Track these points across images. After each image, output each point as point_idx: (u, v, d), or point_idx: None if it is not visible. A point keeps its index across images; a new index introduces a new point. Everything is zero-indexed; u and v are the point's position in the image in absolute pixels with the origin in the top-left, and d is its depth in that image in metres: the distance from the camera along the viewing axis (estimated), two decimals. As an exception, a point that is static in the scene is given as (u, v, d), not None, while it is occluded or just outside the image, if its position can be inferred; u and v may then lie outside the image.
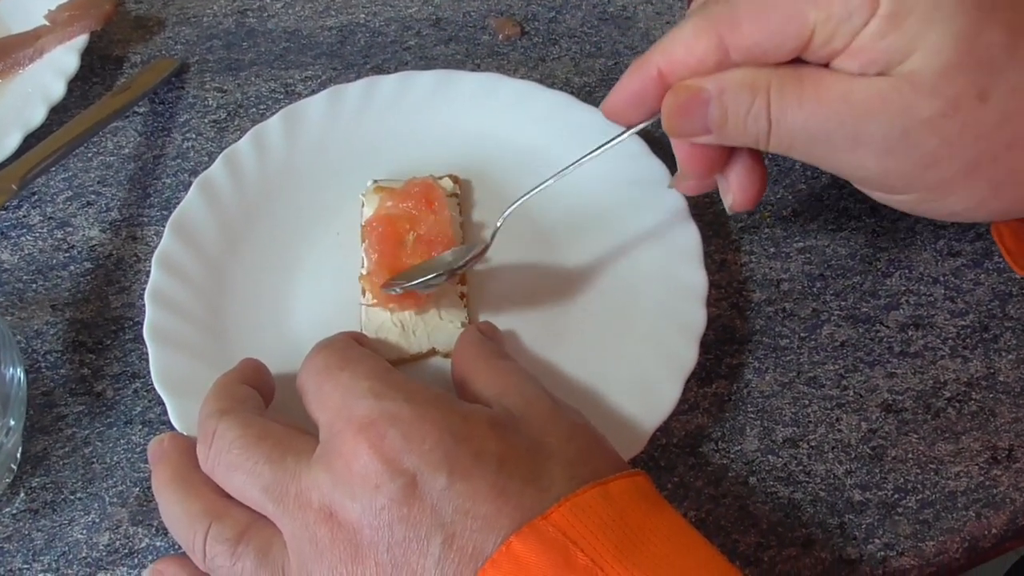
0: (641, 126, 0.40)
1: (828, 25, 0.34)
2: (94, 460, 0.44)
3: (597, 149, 0.42)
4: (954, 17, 0.33)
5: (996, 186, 0.35)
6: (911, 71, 0.33)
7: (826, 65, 0.35)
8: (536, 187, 0.44)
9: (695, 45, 0.37)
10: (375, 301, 0.45)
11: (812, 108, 0.35)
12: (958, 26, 0.33)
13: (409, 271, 0.45)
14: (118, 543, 0.42)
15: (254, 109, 0.57)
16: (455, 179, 0.50)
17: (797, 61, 0.36)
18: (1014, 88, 0.33)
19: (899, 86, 0.33)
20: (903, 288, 0.49)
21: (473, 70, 0.58)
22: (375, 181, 0.49)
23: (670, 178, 0.49)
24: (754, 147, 0.37)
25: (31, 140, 0.53)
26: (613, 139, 0.42)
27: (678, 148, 0.40)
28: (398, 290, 0.44)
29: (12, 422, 0.41)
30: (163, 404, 0.43)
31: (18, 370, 0.42)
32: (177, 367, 0.43)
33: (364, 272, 0.46)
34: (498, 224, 0.45)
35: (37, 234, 0.52)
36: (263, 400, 0.41)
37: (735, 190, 0.41)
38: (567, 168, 0.43)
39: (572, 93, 0.54)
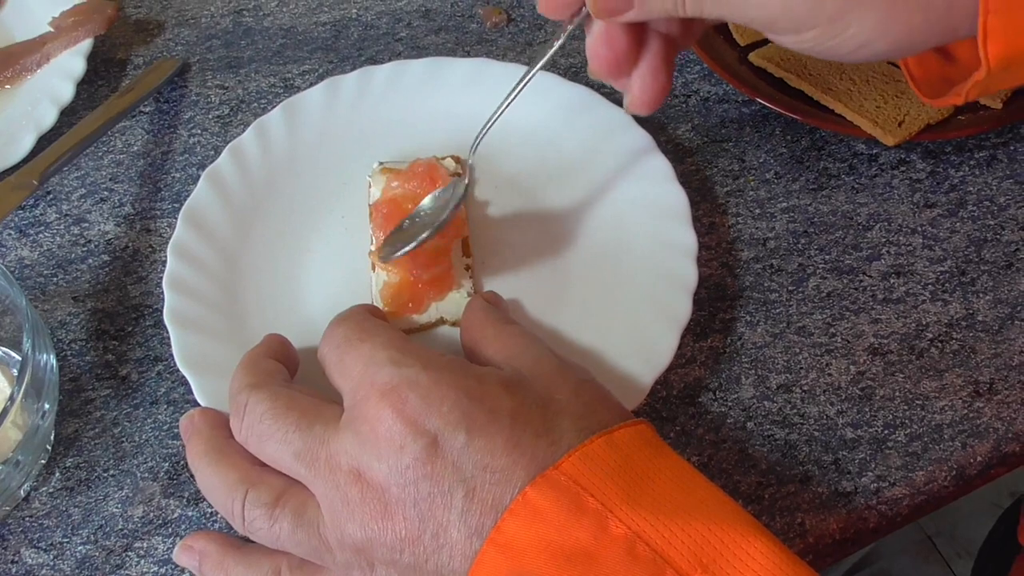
0: (576, 22, 0.42)
1: None
2: (123, 439, 0.46)
3: (543, 58, 0.44)
4: None
5: (889, 8, 0.36)
6: None
7: None
8: (497, 111, 0.47)
9: None
10: (389, 272, 0.47)
11: None
12: None
13: (397, 233, 0.47)
14: (152, 515, 0.44)
15: (255, 103, 0.59)
16: (457, 159, 0.52)
17: None
18: None
19: None
20: (883, 240, 0.51)
21: (463, 57, 0.60)
22: (381, 163, 0.52)
23: (656, 148, 0.52)
24: (673, 14, 0.38)
25: (43, 142, 0.55)
26: (552, 45, 0.43)
27: (592, 48, 0.41)
28: (398, 255, 0.45)
29: (47, 405, 0.43)
30: (186, 384, 0.45)
31: (51, 356, 0.44)
32: (198, 347, 0.46)
33: (373, 249, 0.48)
34: (470, 161, 0.49)
35: (55, 231, 0.54)
36: (289, 372, 0.43)
37: (636, 92, 0.42)
38: (522, 83, 0.46)
39: (559, 74, 0.56)
